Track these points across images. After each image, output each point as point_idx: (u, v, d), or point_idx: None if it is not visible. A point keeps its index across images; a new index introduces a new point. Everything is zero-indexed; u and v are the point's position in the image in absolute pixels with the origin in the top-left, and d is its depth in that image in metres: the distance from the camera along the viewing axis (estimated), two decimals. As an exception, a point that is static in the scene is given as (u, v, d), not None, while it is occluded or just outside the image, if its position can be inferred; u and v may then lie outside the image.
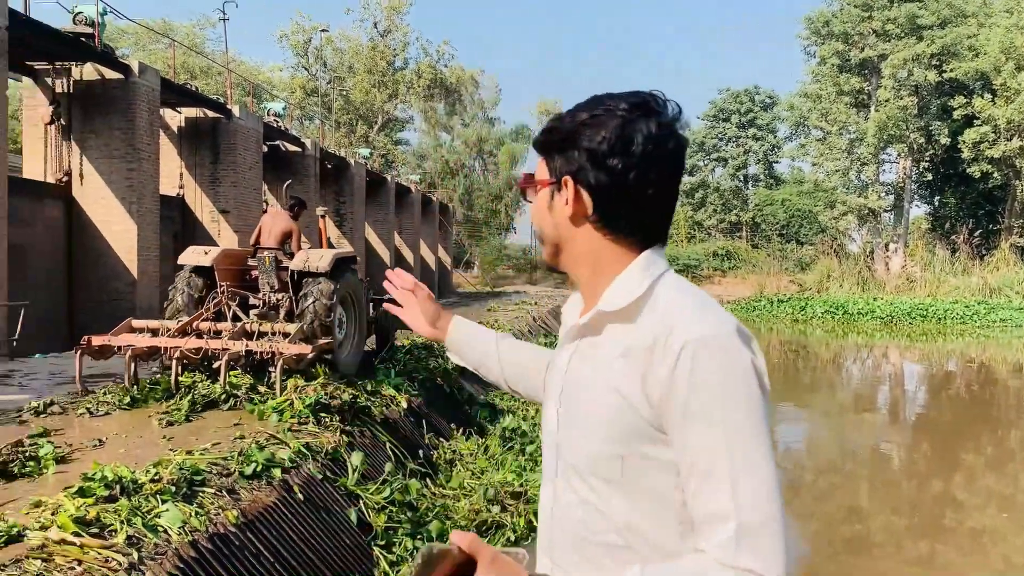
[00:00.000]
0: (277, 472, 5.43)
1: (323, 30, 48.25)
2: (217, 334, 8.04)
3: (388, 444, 7.31)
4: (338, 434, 6.69)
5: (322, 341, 8.10)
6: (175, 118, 19.94)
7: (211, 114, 19.87)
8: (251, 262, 9.22)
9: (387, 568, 5.57)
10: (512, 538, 6.38)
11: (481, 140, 66.98)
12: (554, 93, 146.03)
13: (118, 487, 4.33)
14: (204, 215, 20.26)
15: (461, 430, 9.33)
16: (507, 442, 8.81)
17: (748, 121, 60.67)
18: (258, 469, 5.30)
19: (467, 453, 8.52)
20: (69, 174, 15.97)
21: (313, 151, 25.19)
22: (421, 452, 7.77)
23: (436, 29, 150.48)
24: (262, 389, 7.55)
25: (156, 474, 4.65)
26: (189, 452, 5.37)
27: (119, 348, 7.96)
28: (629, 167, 1.25)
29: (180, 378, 7.56)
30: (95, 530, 3.89)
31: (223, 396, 7.37)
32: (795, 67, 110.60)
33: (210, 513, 4.52)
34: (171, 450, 5.46)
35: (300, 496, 5.39)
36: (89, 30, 14.75)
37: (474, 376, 10.00)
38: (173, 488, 4.52)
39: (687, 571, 1.14)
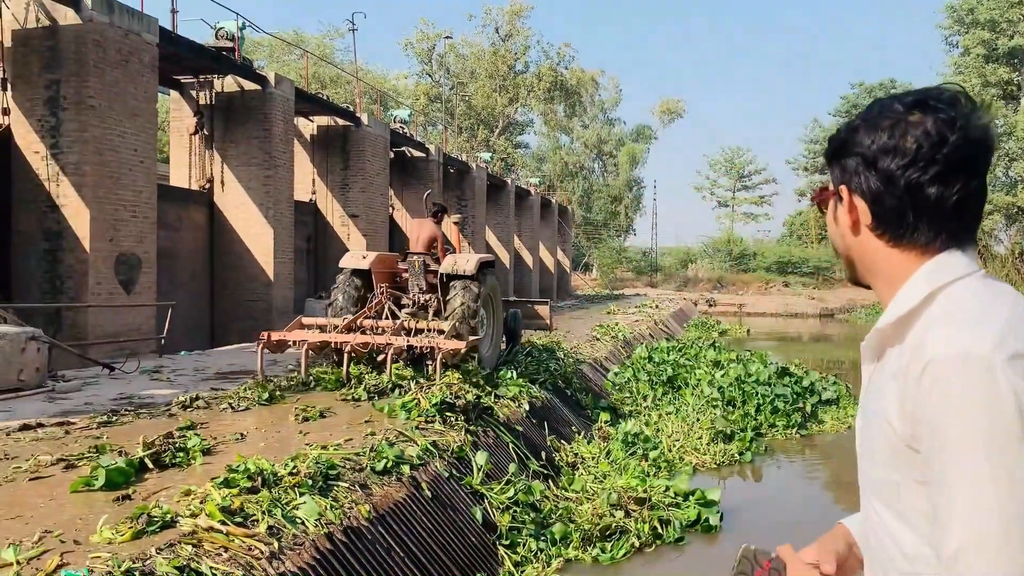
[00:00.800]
0: (406, 469, 5.56)
1: (447, 37, 49.26)
2: (378, 331, 8.87)
3: (511, 445, 7.37)
4: (463, 433, 6.79)
5: (471, 339, 8.73)
6: (308, 126, 20.82)
7: (341, 122, 20.63)
8: (401, 265, 9.94)
9: (512, 568, 5.61)
10: (636, 544, 6.31)
11: (601, 141, 66.71)
12: (677, 91, 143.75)
13: (260, 479, 4.54)
14: (335, 219, 21.04)
15: (582, 433, 9.31)
16: (629, 447, 8.72)
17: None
18: (388, 465, 5.44)
19: (589, 457, 8.48)
20: (211, 181, 16.94)
21: (437, 156, 25.74)
22: (543, 454, 7.79)
23: (557, 30, 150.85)
24: (377, 381, 8.29)
25: (294, 468, 4.85)
26: (324, 447, 5.57)
27: (294, 343, 8.71)
28: (903, 167, 1.17)
29: (349, 370, 8.54)
30: (239, 519, 4.09)
31: (390, 385, 8.14)
32: (933, 58, 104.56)
33: (344, 507, 4.67)
34: (307, 445, 5.68)
35: (428, 493, 5.50)
36: (230, 44, 15.61)
37: (594, 380, 9.94)
38: (310, 481, 4.70)
39: None
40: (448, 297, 9.19)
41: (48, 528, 3.85)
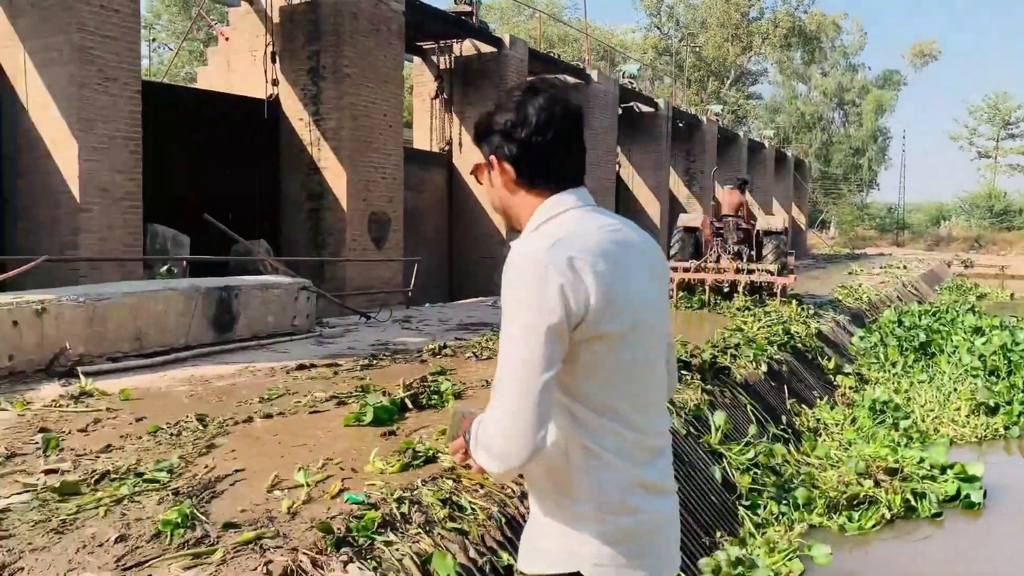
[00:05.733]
0: (644, 423, 5.60)
1: (677, -12, 47.85)
2: (721, 271, 12.85)
3: (748, 407, 7.20)
4: (699, 392, 6.72)
5: (792, 276, 12.95)
6: (539, 86, 21.16)
7: (571, 80, 20.77)
8: (717, 224, 13.63)
9: (752, 529, 5.51)
10: (887, 516, 5.96)
11: (842, 89, 62.20)
12: (929, 31, 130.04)
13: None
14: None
15: (824, 399, 8.89)
16: (877, 415, 8.21)
17: None
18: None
19: (832, 423, 8.09)
20: (450, 143, 17.76)
21: (665, 111, 25.25)
22: (785, 418, 7.53)
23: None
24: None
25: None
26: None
27: None
28: (530, 134, 1.64)
29: (703, 298, 12.56)
30: (492, 460, 4.34)
31: (744, 307, 11.96)
32: None
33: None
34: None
35: (666, 449, 5.52)
36: (468, 8, 16.16)
37: (837, 344, 9.46)
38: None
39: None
40: (765, 250, 13.31)
41: (329, 456, 4.29)
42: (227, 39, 14.82)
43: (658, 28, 52.00)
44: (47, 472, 3.89)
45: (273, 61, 13.51)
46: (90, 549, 3.06)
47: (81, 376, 6.08)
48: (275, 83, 13.57)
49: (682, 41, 50.56)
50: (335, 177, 13.23)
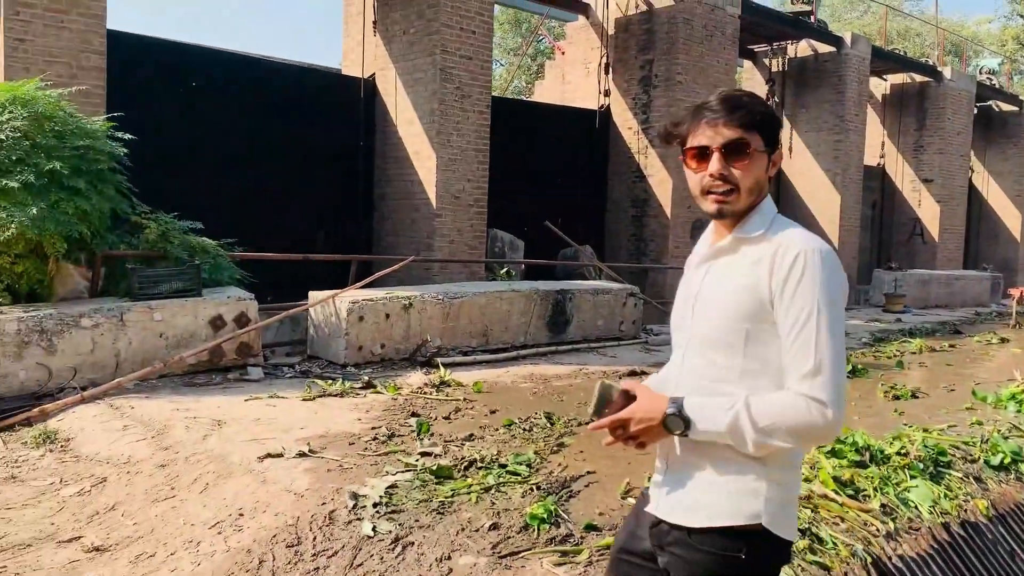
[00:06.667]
0: (1025, 468, 4.90)
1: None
2: None
3: None
4: None
5: None
6: (880, 86, 19.56)
7: (918, 78, 18.94)
8: None
9: None
10: None
11: None
12: None
13: (867, 454, 4.41)
14: (904, 184, 19.54)
15: None
16: None
17: None
18: (1005, 461, 4.84)
19: None
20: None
21: (1033, 109, 22.09)
22: None
23: None
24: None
25: (902, 448, 4.61)
26: (925, 430, 5.20)
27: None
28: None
29: None
30: (850, 492, 4.03)
31: None
32: None
33: (959, 497, 4.29)
34: (905, 425, 5.37)
35: (1055, 501, 4.76)
36: (807, 8, 15.36)
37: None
38: (920, 465, 4.42)
39: (778, 400, 1.69)
40: None
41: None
42: (563, 52, 15.51)
43: (1021, 16, 45.59)
44: (422, 455, 4.29)
45: (606, 72, 13.88)
46: (468, 533, 3.30)
47: (440, 366, 6.68)
48: (607, 93, 13.94)
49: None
50: (659, 184, 13.27)
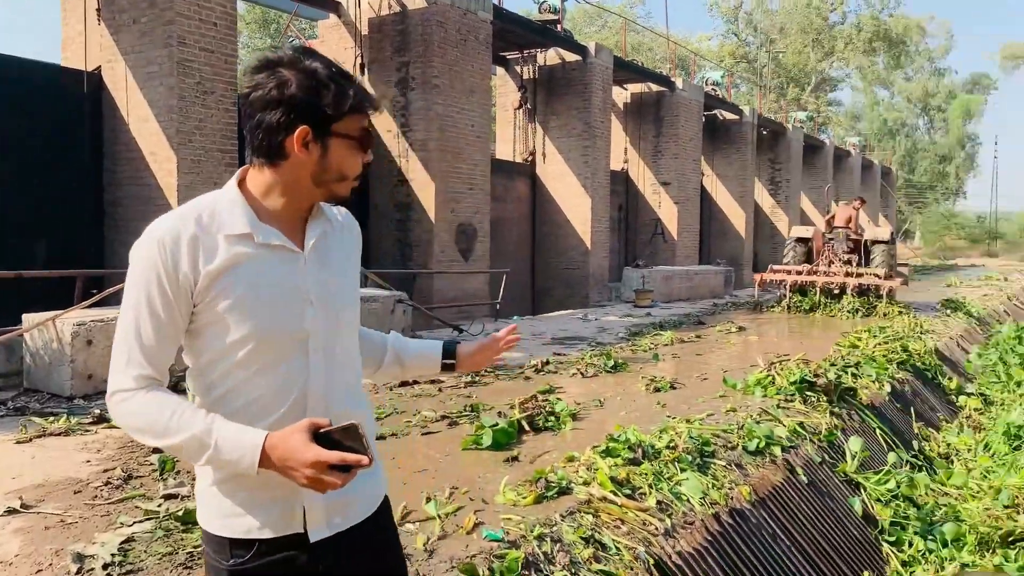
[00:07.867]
0: (777, 450, 5.19)
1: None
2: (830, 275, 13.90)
3: (878, 431, 6.68)
4: (827, 415, 6.25)
5: (899, 280, 13.83)
6: (621, 95, 20.79)
7: (655, 88, 20.34)
8: (828, 235, 14.85)
9: (899, 567, 5.03)
10: (1049, 557, 5.38)
11: (927, 94, 60.02)
12: (1021, 34, 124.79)
13: (640, 451, 4.43)
14: (646, 187, 20.90)
15: (952, 422, 8.28)
16: (1013, 440, 7.56)
17: None
18: (760, 445, 5.10)
19: (964, 448, 7.49)
20: (533, 153, 17.51)
21: (751, 118, 24.58)
22: (915, 443, 6.99)
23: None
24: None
25: (671, 441, 4.69)
26: (688, 420, 5.37)
27: (779, 282, 14.37)
28: None
29: (815, 300, 13.77)
30: (627, 491, 4.00)
31: (853, 310, 13.21)
32: None
33: (725, 486, 4.42)
34: (669, 417, 5.52)
35: (803, 478, 5.09)
36: (554, 17, 15.90)
37: (954, 361, 8.85)
38: (688, 457, 4.51)
39: None
40: (872, 255, 14.42)
41: (454, 484, 4.01)
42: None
43: (735, 35, 50.99)
44: (166, 497, 3.71)
45: (362, 72, 13.47)
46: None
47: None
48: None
49: (760, 48, 49.45)
50: (422, 188, 13.09)
